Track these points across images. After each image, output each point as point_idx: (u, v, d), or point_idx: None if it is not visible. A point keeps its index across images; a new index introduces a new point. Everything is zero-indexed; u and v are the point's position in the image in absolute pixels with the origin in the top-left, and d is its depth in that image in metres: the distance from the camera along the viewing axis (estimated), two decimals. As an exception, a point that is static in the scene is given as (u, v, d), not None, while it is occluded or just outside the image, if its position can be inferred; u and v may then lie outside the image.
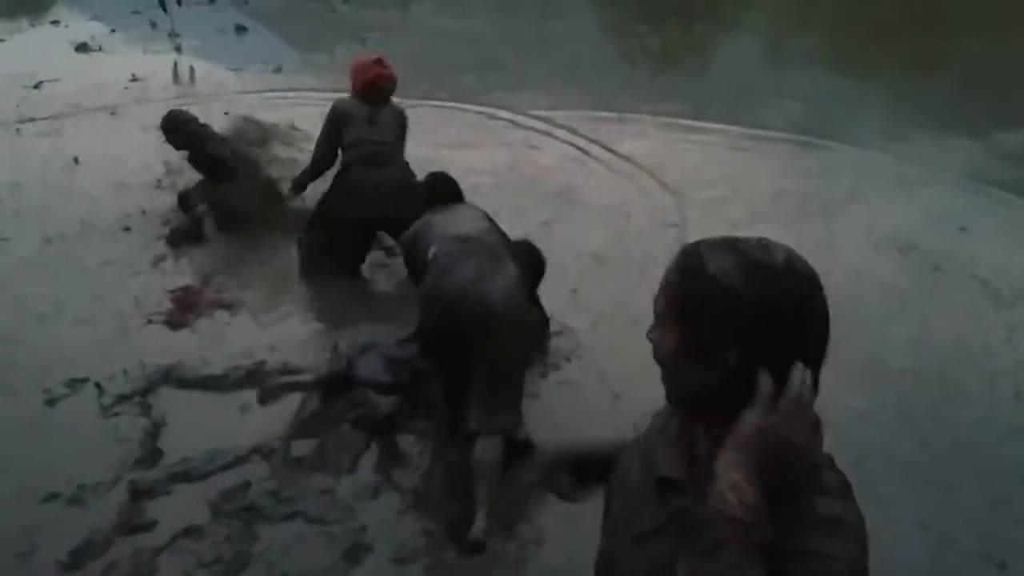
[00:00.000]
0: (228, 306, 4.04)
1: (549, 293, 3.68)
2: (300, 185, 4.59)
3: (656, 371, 1.05)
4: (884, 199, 5.16)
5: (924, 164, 5.79)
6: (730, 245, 0.97)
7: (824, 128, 6.59)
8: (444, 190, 3.46)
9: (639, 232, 4.87)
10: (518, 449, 2.80)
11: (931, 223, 4.78)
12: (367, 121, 4.15)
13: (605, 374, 3.49)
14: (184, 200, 4.83)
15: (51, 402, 3.30)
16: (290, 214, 4.70)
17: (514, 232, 3.48)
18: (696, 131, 6.66)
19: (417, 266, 3.13)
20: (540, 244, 3.58)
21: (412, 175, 4.15)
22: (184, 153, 4.85)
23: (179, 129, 4.77)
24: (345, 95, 4.30)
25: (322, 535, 2.65)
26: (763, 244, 0.97)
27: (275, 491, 2.83)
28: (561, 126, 6.83)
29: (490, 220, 3.28)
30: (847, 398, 3.23)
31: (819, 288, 0.96)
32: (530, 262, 3.32)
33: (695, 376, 0.98)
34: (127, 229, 4.82)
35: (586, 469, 1.58)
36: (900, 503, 2.72)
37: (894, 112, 7.37)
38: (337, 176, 4.24)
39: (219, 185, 4.69)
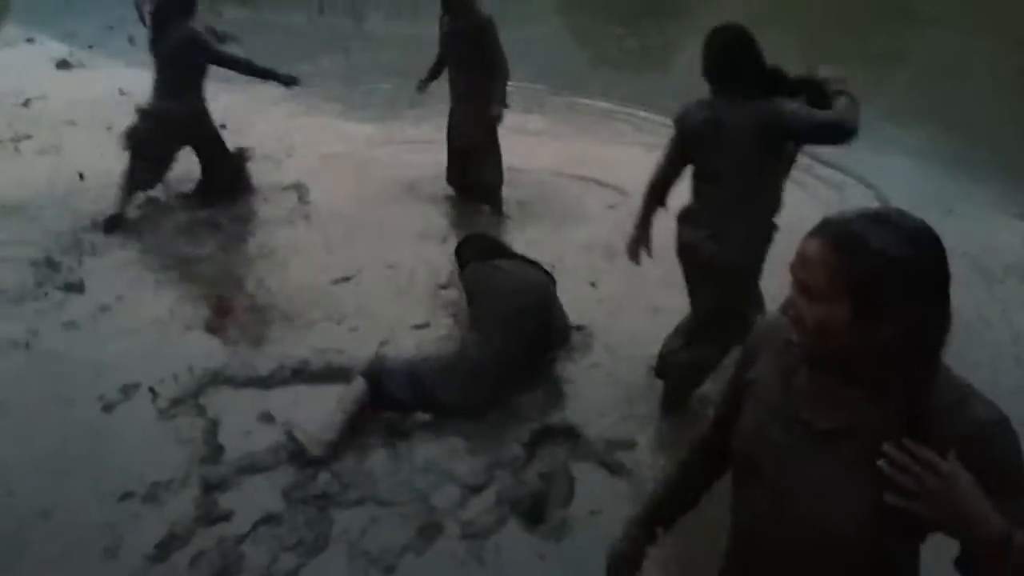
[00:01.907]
0: (262, 310, 4.17)
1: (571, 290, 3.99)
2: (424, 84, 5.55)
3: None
4: (873, 185, 5.45)
5: (905, 151, 6.12)
6: (876, 219, 1.14)
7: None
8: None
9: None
10: None
11: (920, 206, 5.02)
12: (444, 32, 5.09)
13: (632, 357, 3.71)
14: None
15: (107, 408, 3.41)
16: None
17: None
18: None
19: None
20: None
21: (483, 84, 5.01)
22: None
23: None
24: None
25: (395, 516, 2.81)
26: (899, 212, 1.15)
27: (341, 477, 2.99)
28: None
29: None
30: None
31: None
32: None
33: (869, 338, 1.14)
34: (152, 241, 4.92)
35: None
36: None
37: (868, 103, 7.69)
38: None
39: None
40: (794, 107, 2.81)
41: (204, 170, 5.46)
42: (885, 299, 1.12)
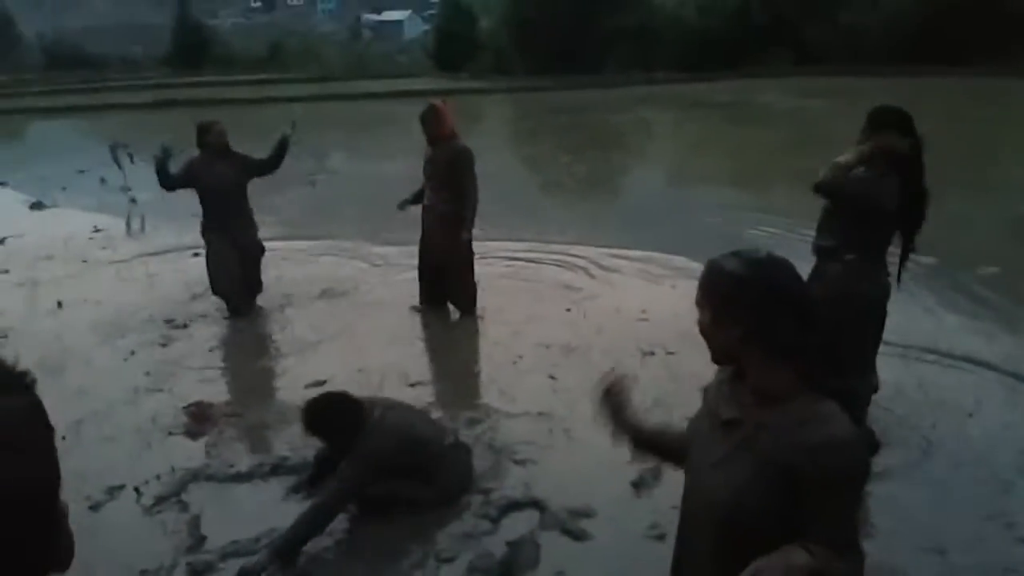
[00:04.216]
0: (239, 415, 4.40)
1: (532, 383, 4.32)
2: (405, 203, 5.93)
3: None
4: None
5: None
6: (734, 253, 1.55)
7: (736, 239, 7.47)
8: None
9: (597, 328, 5.50)
10: None
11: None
12: (425, 159, 5.60)
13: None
14: None
15: (95, 507, 3.57)
16: None
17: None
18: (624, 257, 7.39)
19: None
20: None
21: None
22: None
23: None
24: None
25: (372, 587, 3.01)
26: (755, 249, 1.57)
27: (322, 556, 3.18)
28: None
29: None
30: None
31: (791, 267, 1.53)
32: None
33: (726, 336, 1.52)
34: (129, 357, 5.17)
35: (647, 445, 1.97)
36: None
37: (788, 220, 8.36)
38: None
39: None
40: None
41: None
42: (729, 306, 1.51)
